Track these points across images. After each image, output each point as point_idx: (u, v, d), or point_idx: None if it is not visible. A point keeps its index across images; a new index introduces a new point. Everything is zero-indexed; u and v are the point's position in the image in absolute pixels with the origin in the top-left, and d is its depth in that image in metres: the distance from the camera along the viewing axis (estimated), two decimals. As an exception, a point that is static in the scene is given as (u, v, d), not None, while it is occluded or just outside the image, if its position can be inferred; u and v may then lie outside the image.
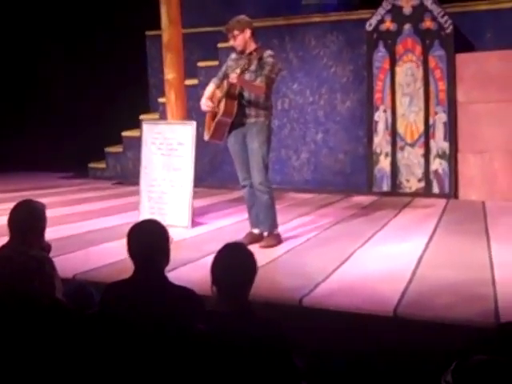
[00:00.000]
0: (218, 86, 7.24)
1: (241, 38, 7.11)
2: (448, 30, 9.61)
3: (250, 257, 3.78)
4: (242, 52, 7.17)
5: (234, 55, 7.29)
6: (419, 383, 4.15)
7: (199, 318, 3.69)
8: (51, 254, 4.56)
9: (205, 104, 7.24)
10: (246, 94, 7.05)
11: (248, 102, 7.06)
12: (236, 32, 7.10)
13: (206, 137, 7.32)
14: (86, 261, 6.74)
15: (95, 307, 4.21)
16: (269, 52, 7.15)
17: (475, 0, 9.95)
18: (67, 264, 6.25)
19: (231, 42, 7.22)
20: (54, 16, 13.59)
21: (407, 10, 9.86)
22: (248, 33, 7.11)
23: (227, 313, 3.64)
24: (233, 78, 6.87)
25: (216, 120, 7.09)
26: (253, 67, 6.97)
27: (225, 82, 7.10)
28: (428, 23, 9.73)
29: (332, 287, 5.77)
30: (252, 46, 7.13)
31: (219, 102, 7.09)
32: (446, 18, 9.61)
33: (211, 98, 7.22)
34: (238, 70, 6.87)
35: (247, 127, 7.09)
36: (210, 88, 7.31)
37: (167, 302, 3.85)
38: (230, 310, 3.64)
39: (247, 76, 6.96)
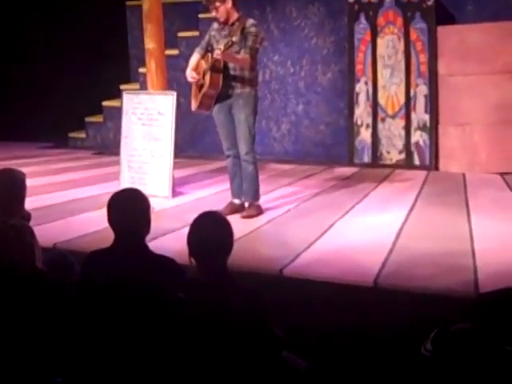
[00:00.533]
0: (203, 56, 7.20)
1: (223, 9, 7.06)
2: (429, 3, 9.58)
3: (225, 225, 3.75)
4: (224, 22, 7.13)
5: (216, 25, 7.25)
6: (400, 352, 4.17)
7: (179, 286, 3.69)
8: (31, 223, 4.53)
9: (189, 75, 7.21)
10: (230, 66, 7.03)
11: (233, 74, 7.05)
12: (217, 3, 7.04)
13: (193, 107, 7.30)
14: (66, 230, 6.74)
15: (76, 276, 4.21)
16: (251, 21, 7.12)
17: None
18: (47, 233, 6.24)
19: (213, 13, 7.17)
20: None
21: (389, -18, 9.84)
22: (229, 3, 7.06)
23: (207, 282, 3.64)
24: (217, 54, 6.86)
25: (202, 92, 7.08)
26: (236, 38, 6.94)
27: (209, 55, 7.07)
28: (410, -5, 9.71)
29: (312, 257, 5.79)
30: (234, 16, 7.09)
31: (204, 74, 7.07)
32: (427, -11, 9.59)
33: (196, 69, 7.19)
34: (222, 47, 6.83)
35: (233, 98, 7.08)
36: (195, 58, 7.27)
37: (148, 270, 3.84)
38: (209, 280, 3.64)
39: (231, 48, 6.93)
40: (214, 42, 7.15)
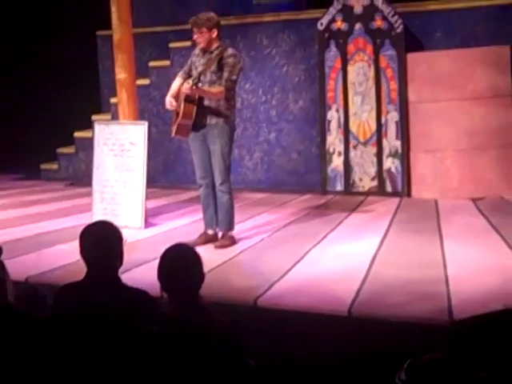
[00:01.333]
0: (185, 81, 7.17)
1: (206, 37, 7.04)
2: (398, 30, 9.66)
3: (194, 257, 3.73)
4: (204, 49, 7.11)
5: (197, 51, 7.23)
6: (374, 382, 4.16)
7: (153, 319, 3.67)
8: (3, 257, 4.49)
9: (168, 103, 7.18)
10: (205, 97, 7.02)
11: (209, 104, 7.03)
12: (204, 29, 7.02)
13: (172, 133, 7.28)
14: (38, 263, 6.68)
15: (48, 310, 4.17)
16: (230, 51, 7.09)
17: (425, 0, 10.02)
18: (19, 266, 6.17)
19: (194, 37, 7.13)
20: (2, 12, 13.42)
21: (358, 10, 9.89)
22: (215, 33, 7.06)
23: (179, 315, 3.62)
24: (186, 89, 6.86)
25: (177, 122, 7.07)
26: (213, 68, 6.94)
27: (184, 84, 7.05)
28: (379, 23, 9.78)
29: (286, 287, 5.78)
30: (215, 45, 7.07)
31: (181, 103, 7.05)
32: (396, 17, 9.66)
33: (176, 96, 7.16)
34: (190, 82, 6.84)
35: (208, 128, 7.07)
36: (176, 84, 7.24)
37: (121, 303, 3.81)
38: (181, 312, 3.62)
39: (208, 77, 6.93)
40: (193, 69, 7.17)
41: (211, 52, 7.06)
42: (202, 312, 3.63)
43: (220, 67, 6.99)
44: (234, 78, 7.10)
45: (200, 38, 7.06)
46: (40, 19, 13.12)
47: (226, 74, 6.99)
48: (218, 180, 7.16)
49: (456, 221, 8.01)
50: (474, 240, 7.01)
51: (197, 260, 3.71)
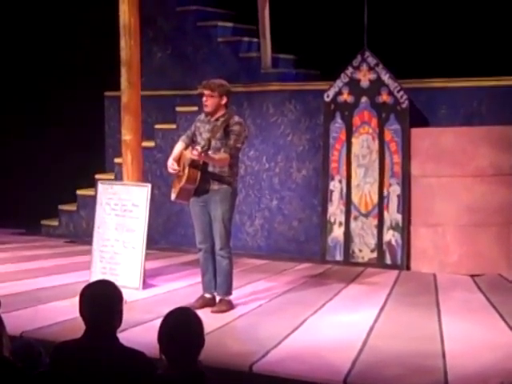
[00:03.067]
0: (187, 146, 7.24)
1: (216, 102, 7.11)
2: (404, 105, 9.77)
3: (197, 322, 3.72)
4: (210, 114, 7.19)
5: (202, 116, 7.31)
6: None
7: (149, 381, 3.65)
8: (0, 311, 4.49)
9: (170, 166, 7.23)
10: (210, 163, 7.06)
11: (212, 170, 7.08)
12: (216, 93, 7.10)
13: (173, 197, 7.32)
14: (34, 318, 6.66)
15: (43, 366, 4.15)
16: (236, 119, 7.17)
17: (430, 77, 10.14)
18: (15, 321, 6.14)
19: (204, 99, 7.20)
20: (15, 72, 13.60)
21: (364, 84, 10.01)
22: (224, 100, 7.15)
23: (178, 378, 3.60)
24: (194, 155, 6.90)
25: (180, 185, 7.11)
26: (219, 135, 7.00)
27: (190, 149, 7.11)
28: (384, 97, 9.89)
29: (283, 354, 5.76)
30: (221, 112, 7.15)
31: (184, 167, 7.10)
32: (401, 92, 9.77)
33: (178, 159, 7.22)
34: (199, 148, 6.87)
35: (211, 194, 7.12)
36: (178, 147, 7.31)
37: (118, 364, 3.80)
38: (180, 376, 3.60)
39: (212, 143, 6.97)
40: (198, 134, 7.23)
41: (217, 119, 7.13)
42: (199, 376, 3.62)
43: (225, 134, 7.05)
44: (239, 145, 7.17)
45: (209, 101, 7.12)
46: (49, 76, 13.25)
47: (231, 142, 7.06)
48: (218, 245, 7.19)
49: (454, 296, 8.00)
50: (472, 316, 7.00)
51: (199, 325, 3.71)
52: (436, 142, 9.53)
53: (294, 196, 10.70)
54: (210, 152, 6.92)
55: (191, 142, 7.26)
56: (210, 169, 7.09)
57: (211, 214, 7.16)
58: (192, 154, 6.94)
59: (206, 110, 7.19)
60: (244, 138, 7.22)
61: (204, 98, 7.19)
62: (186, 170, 7.05)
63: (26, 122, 13.46)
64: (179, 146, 7.33)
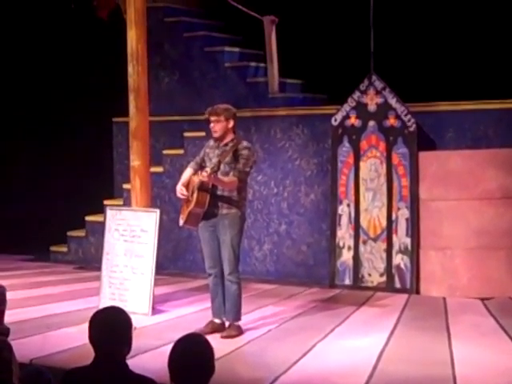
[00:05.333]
0: (196, 172, 7.28)
1: (223, 126, 7.17)
2: (411, 129, 9.77)
3: (208, 350, 3.71)
4: (218, 140, 7.23)
5: (211, 142, 7.36)
6: None
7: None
8: (9, 338, 4.49)
9: (179, 191, 7.27)
10: (219, 187, 7.09)
11: (221, 194, 7.11)
12: (222, 118, 7.16)
13: (181, 222, 7.34)
14: (43, 345, 6.65)
15: (52, 394, 4.14)
16: (245, 144, 7.23)
17: (437, 100, 10.16)
18: (24, 348, 6.16)
19: (211, 125, 7.26)
20: (23, 97, 13.68)
21: (372, 108, 10.03)
22: (231, 124, 7.20)
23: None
24: (203, 176, 6.92)
25: (188, 210, 7.13)
26: (228, 159, 7.04)
27: (199, 173, 7.14)
28: (392, 121, 9.90)
29: (292, 380, 5.74)
30: (230, 137, 7.21)
31: (193, 191, 7.12)
32: (409, 116, 9.79)
33: (187, 184, 7.25)
34: (209, 170, 6.91)
35: (219, 218, 7.14)
36: (187, 173, 7.36)
37: (127, 390, 3.80)
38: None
39: (222, 168, 7.01)
40: (207, 160, 7.25)
41: (226, 144, 7.17)
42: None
43: (234, 159, 7.09)
44: (248, 169, 7.20)
45: (217, 127, 7.18)
46: (58, 102, 13.32)
47: (240, 166, 7.09)
48: (226, 270, 7.20)
49: (464, 320, 7.97)
50: (483, 340, 6.97)
51: (209, 352, 3.69)
52: (444, 165, 9.54)
53: (303, 220, 10.70)
54: (218, 174, 6.96)
55: (200, 168, 7.29)
56: (219, 193, 7.11)
57: (220, 238, 7.18)
58: (201, 176, 6.96)
59: (215, 135, 7.24)
60: (253, 162, 7.26)
61: (211, 125, 7.25)
62: (195, 194, 7.08)
63: (35, 149, 13.52)
64: (188, 172, 7.38)
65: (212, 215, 7.16)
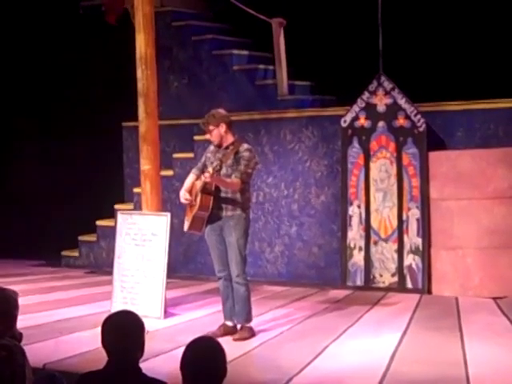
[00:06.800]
0: (198, 177, 7.30)
1: (216, 133, 7.22)
2: (421, 129, 9.76)
3: (220, 352, 3.72)
4: (218, 145, 7.26)
5: (212, 147, 7.39)
6: None
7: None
8: (22, 343, 4.50)
9: (183, 197, 7.32)
10: (222, 188, 7.12)
11: (225, 196, 7.13)
12: (211, 127, 7.21)
13: (185, 227, 7.37)
14: (56, 350, 6.67)
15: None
16: (245, 146, 7.25)
17: (446, 100, 10.15)
18: (37, 353, 6.18)
19: (207, 136, 7.34)
20: (34, 102, 13.73)
21: (381, 108, 10.02)
22: (223, 127, 7.21)
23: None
24: (205, 177, 6.95)
25: (193, 214, 7.15)
26: (229, 161, 7.06)
27: (202, 177, 7.16)
28: (401, 121, 9.89)
29: (305, 382, 5.74)
30: (229, 140, 7.23)
31: (196, 195, 7.14)
32: (418, 116, 9.77)
33: (190, 190, 7.28)
34: (211, 170, 6.93)
35: (224, 220, 7.16)
36: (190, 179, 7.39)
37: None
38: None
39: (223, 170, 7.03)
40: (209, 164, 7.27)
41: (226, 147, 7.20)
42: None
43: (236, 161, 7.11)
44: (250, 171, 7.24)
45: (212, 136, 7.28)
46: (67, 109, 13.36)
47: (242, 167, 7.12)
48: (234, 272, 7.21)
49: (477, 319, 7.95)
50: (496, 339, 6.95)
51: (221, 354, 3.70)
52: (454, 164, 9.51)
53: (314, 222, 10.69)
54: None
55: (202, 174, 7.31)
56: (223, 195, 7.13)
57: (226, 240, 7.20)
58: (204, 177, 6.98)
59: (214, 143, 7.34)
60: (254, 163, 7.29)
61: (207, 136, 7.33)
62: (199, 198, 7.10)
63: (46, 154, 13.56)
64: (191, 178, 7.43)
65: (217, 218, 7.18)
